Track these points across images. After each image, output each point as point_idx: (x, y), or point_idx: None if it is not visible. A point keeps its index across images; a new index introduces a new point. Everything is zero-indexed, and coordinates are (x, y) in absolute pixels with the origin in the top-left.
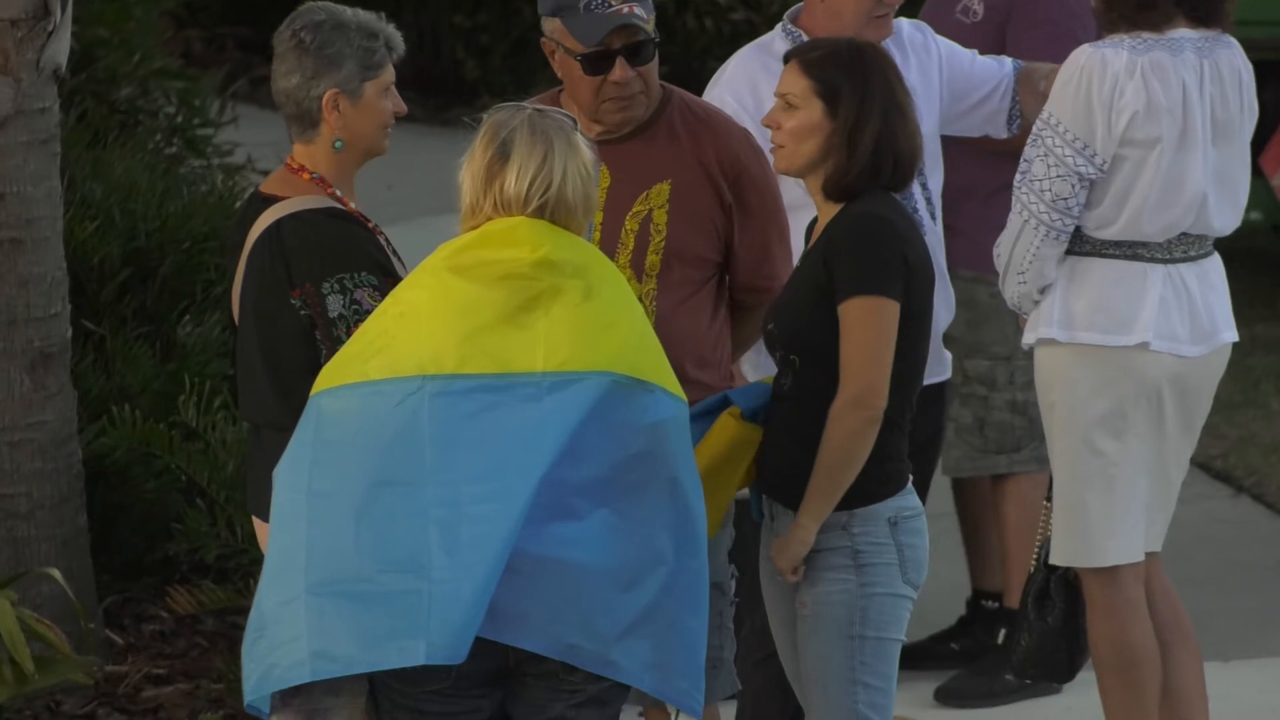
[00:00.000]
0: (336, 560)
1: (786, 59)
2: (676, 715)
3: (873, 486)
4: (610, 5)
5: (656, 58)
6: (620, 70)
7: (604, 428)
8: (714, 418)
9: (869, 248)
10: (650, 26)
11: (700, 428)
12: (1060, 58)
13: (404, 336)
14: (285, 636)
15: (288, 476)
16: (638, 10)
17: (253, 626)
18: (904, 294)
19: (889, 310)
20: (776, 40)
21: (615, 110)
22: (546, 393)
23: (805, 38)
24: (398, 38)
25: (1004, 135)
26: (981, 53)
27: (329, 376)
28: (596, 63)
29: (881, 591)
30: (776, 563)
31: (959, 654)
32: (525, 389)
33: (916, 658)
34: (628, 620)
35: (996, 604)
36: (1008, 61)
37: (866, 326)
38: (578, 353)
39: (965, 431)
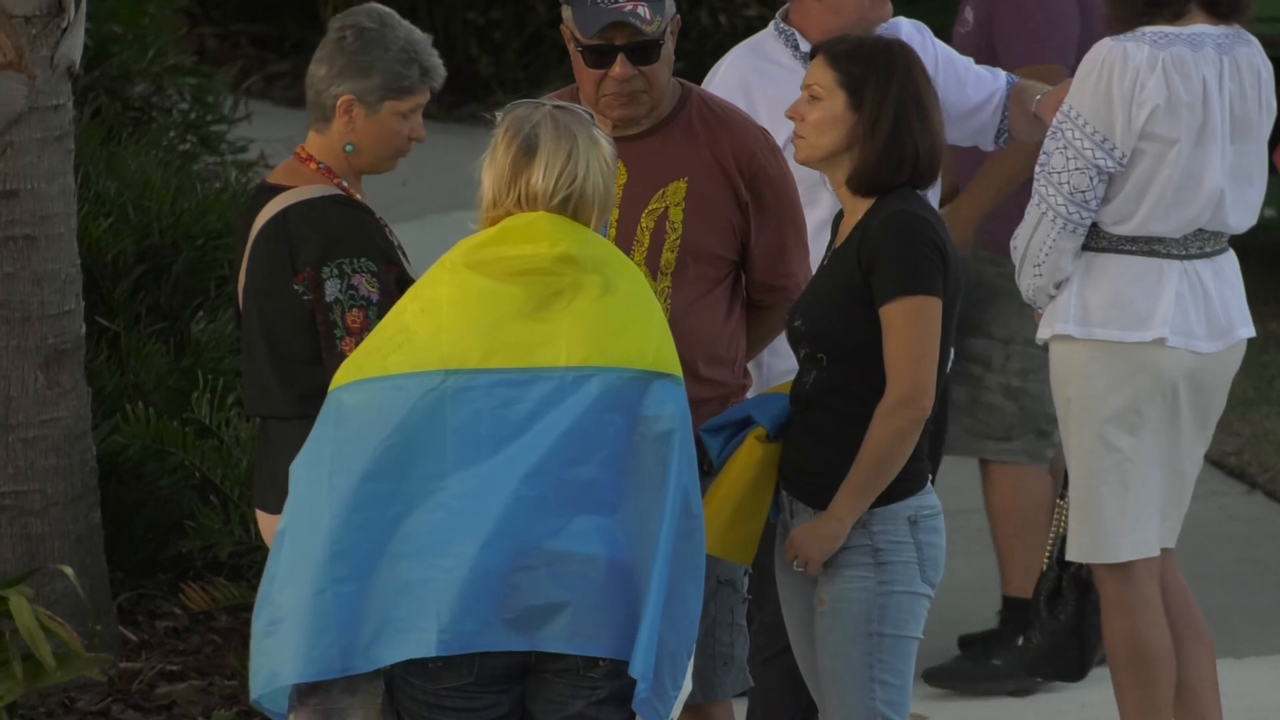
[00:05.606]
0: (357, 553)
1: (813, 53)
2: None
3: (894, 484)
4: (615, 0)
5: (667, 60)
6: (620, 67)
7: (620, 421)
8: (735, 433)
9: (910, 247)
10: (654, 28)
11: (718, 441)
12: (1043, 57)
13: (425, 333)
14: (306, 631)
15: (307, 470)
16: (640, 9)
17: (265, 620)
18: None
19: (933, 308)
20: (768, 40)
21: (614, 106)
22: (569, 387)
23: (798, 36)
24: (439, 69)
25: (990, 149)
26: (976, 60)
27: (348, 372)
28: (598, 56)
29: (900, 590)
30: (802, 552)
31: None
32: (548, 384)
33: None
34: (654, 619)
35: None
36: (1001, 74)
37: (913, 326)
38: (599, 348)
39: (956, 410)
